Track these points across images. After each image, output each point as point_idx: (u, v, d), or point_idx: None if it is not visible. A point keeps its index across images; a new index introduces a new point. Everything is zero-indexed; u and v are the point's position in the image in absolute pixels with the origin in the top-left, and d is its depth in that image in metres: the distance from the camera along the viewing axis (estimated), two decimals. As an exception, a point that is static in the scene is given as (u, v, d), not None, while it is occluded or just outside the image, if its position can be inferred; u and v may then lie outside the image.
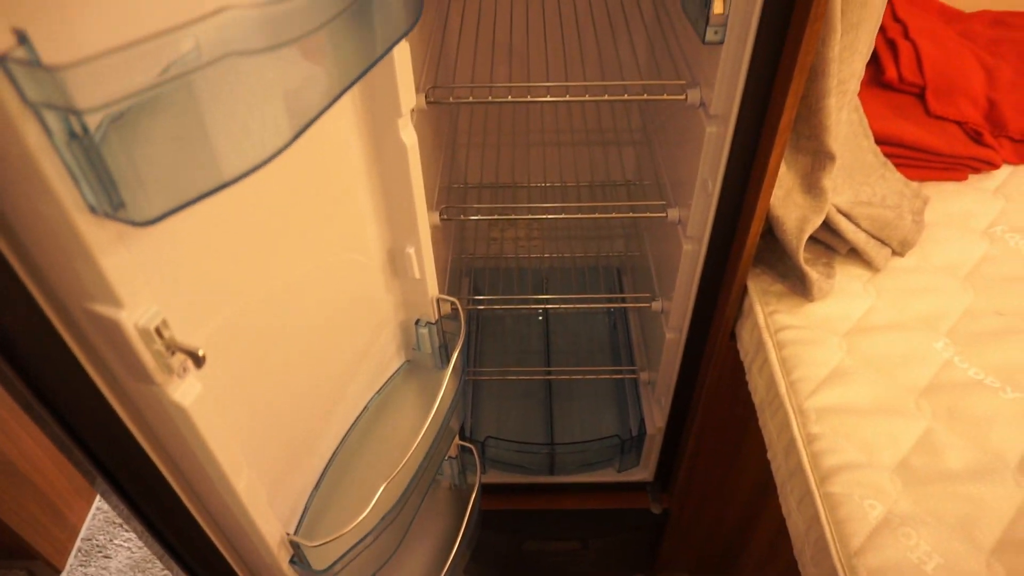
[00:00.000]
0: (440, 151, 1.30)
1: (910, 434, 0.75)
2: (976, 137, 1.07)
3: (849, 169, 0.97)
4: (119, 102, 0.33)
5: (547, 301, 1.50)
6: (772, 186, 0.85)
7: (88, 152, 0.35)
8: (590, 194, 1.48)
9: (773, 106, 0.80)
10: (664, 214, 1.07)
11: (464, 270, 1.62)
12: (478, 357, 1.53)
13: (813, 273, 0.88)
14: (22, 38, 0.32)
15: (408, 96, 0.69)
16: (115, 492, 0.59)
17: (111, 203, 0.37)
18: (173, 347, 0.45)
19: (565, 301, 1.37)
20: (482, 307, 1.49)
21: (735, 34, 0.79)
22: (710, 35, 0.80)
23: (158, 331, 0.44)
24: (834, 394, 0.80)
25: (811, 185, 0.88)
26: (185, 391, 0.49)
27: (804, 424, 0.78)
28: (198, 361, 0.45)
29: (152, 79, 0.33)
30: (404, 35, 0.56)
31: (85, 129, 0.34)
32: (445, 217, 1.05)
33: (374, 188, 0.77)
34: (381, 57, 0.53)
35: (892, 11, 1.27)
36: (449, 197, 1.34)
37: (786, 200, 0.89)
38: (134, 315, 0.43)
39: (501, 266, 1.65)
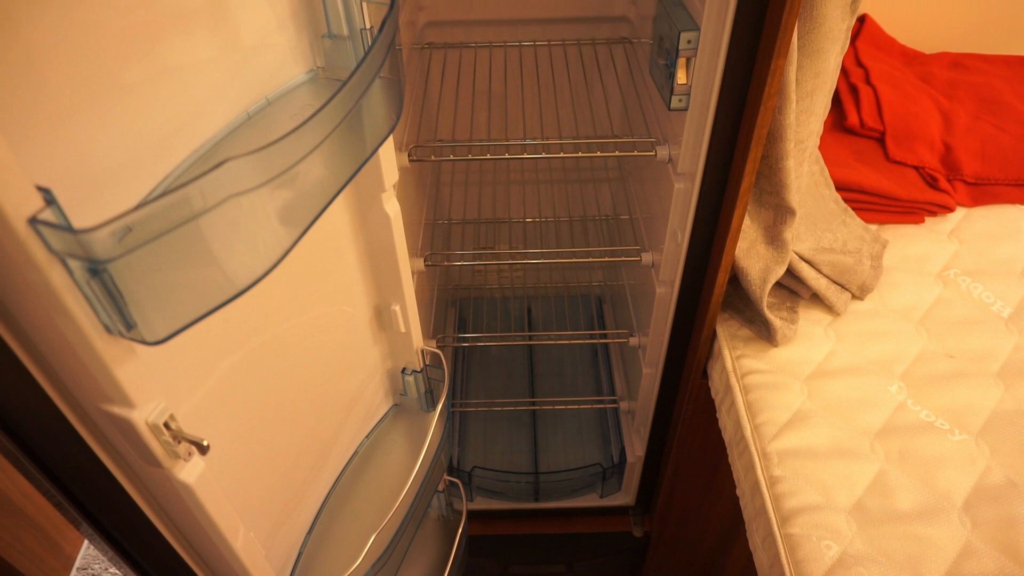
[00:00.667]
0: (424, 191, 1.35)
1: (865, 476, 0.81)
2: (932, 182, 1.13)
3: (812, 217, 1.02)
4: (134, 249, 0.38)
5: (531, 337, 1.55)
6: (736, 239, 0.90)
7: (106, 286, 0.40)
8: (569, 229, 1.53)
9: (735, 168, 0.85)
10: (638, 258, 1.12)
11: (450, 300, 1.67)
12: (464, 387, 1.58)
13: (777, 320, 0.93)
14: (49, 199, 0.37)
15: (391, 173, 0.74)
16: (117, 550, 0.64)
17: (125, 324, 0.42)
18: (180, 437, 0.49)
19: (548, 337, 1.42)
20: (467, 344, 1.54)
21: (698, 102, 0.84)
22: (675, 103, 0.86)
23: (166, 425, 0.48)
24: (795, 437, 0.85)
25: (773, 237, 0.93)
26: (190, 471, 0.53)
27: (767, 467, 0.84)
28: (203, 450, 0.49)
29: (163, 226, 0.38)
30: (389, 133, 0.61)
31: (104, 270, 0.38)
32: (430, 263, 1.10)
33: (361, 252, 0.82)
34: (370, 156, 0.58)
35: (855, 56, 1.34)
36: (434, 234, 1.39)
37: (750, 252, 0.94)
38: (144, 412, 0.47)
39: (486, 295, 1.70)
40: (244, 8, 0.58)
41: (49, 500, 0.59)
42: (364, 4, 0.61)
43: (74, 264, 0.38)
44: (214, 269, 0.43)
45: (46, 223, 0.35)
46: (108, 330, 0.42)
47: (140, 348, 0.48)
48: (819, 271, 0.99)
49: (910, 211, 1.12)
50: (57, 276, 0.39)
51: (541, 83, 1.29)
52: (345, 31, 0.62)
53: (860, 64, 1.31)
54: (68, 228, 0.35)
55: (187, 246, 0.40)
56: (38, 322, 0.43)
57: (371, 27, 0.63)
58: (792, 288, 1.01)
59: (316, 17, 0.63)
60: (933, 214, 1.13)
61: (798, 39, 0.81)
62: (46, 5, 0.42)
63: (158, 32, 0.50)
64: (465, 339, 1.39)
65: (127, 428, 0.47)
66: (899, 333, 0.96)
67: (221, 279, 0.43)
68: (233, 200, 0.41)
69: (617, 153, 0.98)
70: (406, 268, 0.83)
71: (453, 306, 1.68)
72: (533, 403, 1.54)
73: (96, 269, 0.39)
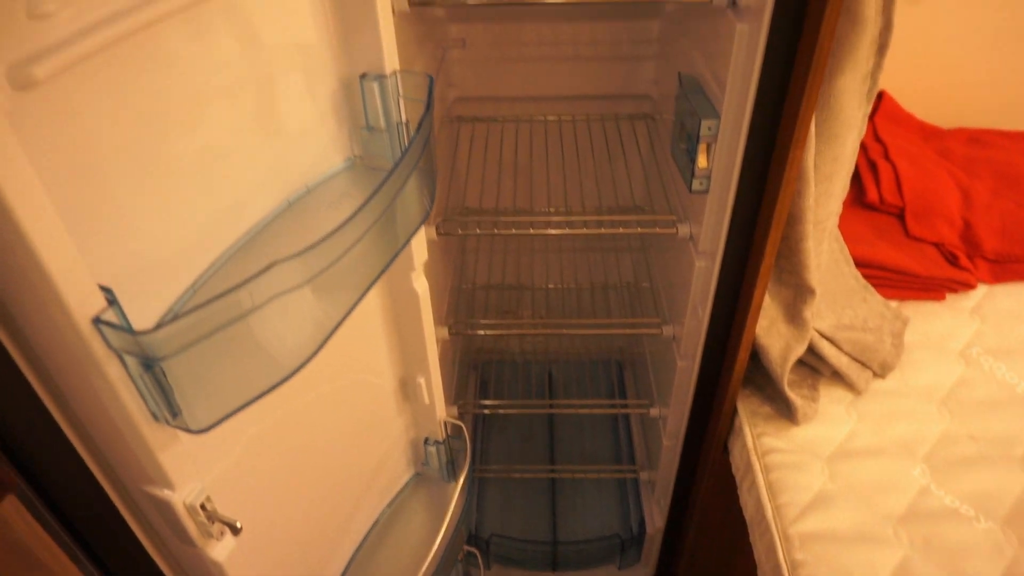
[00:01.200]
0: (450, 258, 1.38)
1: (888, 563, 0.80)
2: (952, 259, 1.14)
3: (832, 294, 1.04)
4: (188, 347, 0.40)
5: (551, 405, 1.56)
6: (757, 318, 0.91)
7: (157, 379, 0.42)
8: (591, 296, 1.55)
9: (755, 249, 0.87)
10: (660, 331, 1.13)
11: (472, 364, 1.69)
12: (484, 451, 1.58)
13: (798, 400, 0.94)
14: (111, 299, 0.39)
15: (420, 253, 0.77)
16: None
17: (171, 413, 0.44)
18: (214, 518, 0.51)
19: (569, 405, 1.42)
20: (488, 411, 1.55)
21: (719, 185, 0.87)
22: (696, 185, 0.89)
23: (203, 506, 0.50)
24: (817, 520, 0.85)
25: (794, 316, 0.95)
26: (221, 550, 0.55)
27: (789, 550, 0.83)
28: (235, 531, 0.51)
29: (214, 326, 0.41)
30: (422, 223, 0.64)
31: (158, 366, 0.41)
32: (455, 332, 1.12)
33: (388, 326, 0.84)
34: (403, 247, 0.61)
35: (874, 131, 1.36)
36: (459, 300, 1.42)
37: (770, 330, 0.95)
38: (183, 494, 0.49)
39: (508, 359, 1.71)
40: (291, 104, 0.62)
41: (67, 554, 0.61)
42: (401, 100, 0.65)
43: (130, 360, 0.41)
44: (258, 361, 0.45)
45: (108, 323, 0.38)
46: (155, 417, 0.45)
47: (185, 436, 0.50)
48: (840, 348, 0.99)
49: (931, 288, 1.12)
50: (113, 370, 0.41)
51: (566, 156, 1.34)
52: (382, 124, 0.66)
53: (879, 140, 1.33)
54: (129, 329, 0.37)
55: (235, 341, 0.43)
56: (89, 407, 0.46)
57: (407, 121, 0.66)
58: (813, 365, 1.01)
59: (355, 110, 0.67)
60: (954, 291, 1.13)
61: (816, 127, 0.84)
62: (104, 96, 0.44)
63: (210, 124, 0.54)
64: (486, 406, 1.40)
65: (165, 508, 0.49)
66: (921, 413, 0.96)
67: (264, 370, 0.46)
68: (279, 298, 0.43)
69: (639, 230, 1.00)
70: (432, 343, 0.85)
71: (475, 370, 1.69)
72: (552, 470, 1.54)
73: (150, 364, 0.41)
